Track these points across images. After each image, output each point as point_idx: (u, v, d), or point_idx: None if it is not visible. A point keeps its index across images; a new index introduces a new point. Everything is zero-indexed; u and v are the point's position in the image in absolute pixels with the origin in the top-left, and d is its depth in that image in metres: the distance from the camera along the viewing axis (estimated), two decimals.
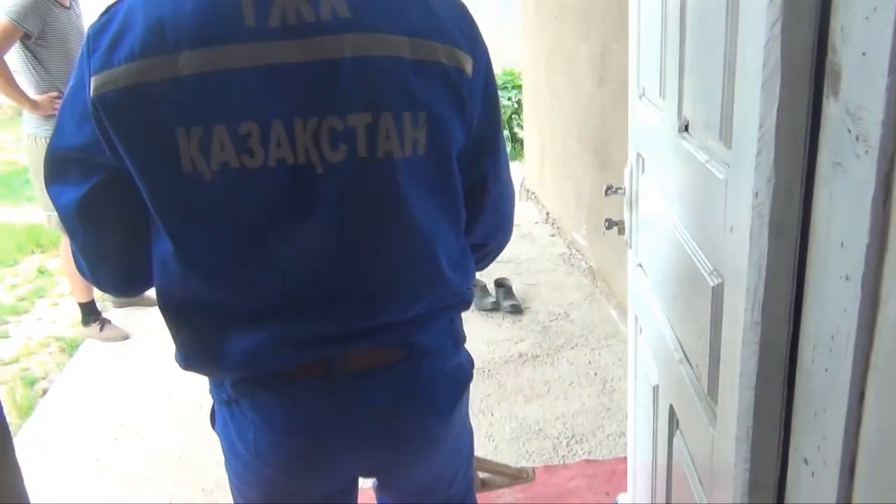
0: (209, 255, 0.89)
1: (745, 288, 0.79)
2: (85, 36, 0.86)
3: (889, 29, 0.54)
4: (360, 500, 1.18)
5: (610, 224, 1.58)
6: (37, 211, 4.50)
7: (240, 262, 0.89)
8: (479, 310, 3.35)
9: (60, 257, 3.39)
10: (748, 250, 0.78)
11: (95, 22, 0.86)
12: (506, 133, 6.70)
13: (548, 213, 4.68)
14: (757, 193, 0.75)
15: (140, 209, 0.89)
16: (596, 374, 2.82)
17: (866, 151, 0.58)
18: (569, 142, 4.01)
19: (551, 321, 3.28)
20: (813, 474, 0.73)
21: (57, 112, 2.88)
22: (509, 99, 6.94)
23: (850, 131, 0.61)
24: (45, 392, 2.95)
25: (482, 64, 0.93)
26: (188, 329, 0.96)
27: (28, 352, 3.30)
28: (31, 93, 2.95)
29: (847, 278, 0.62)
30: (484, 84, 0.94)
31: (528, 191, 5.20)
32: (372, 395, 0.98)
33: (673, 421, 1.24)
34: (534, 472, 2.12)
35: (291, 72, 0.82)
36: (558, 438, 2.44)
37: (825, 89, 0.66)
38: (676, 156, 1.11)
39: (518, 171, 5.74)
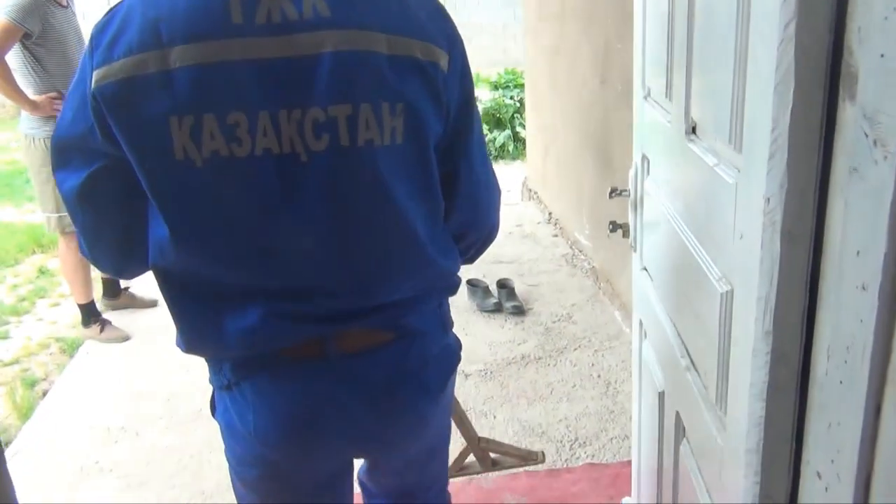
0: (202, 237, 0.95)
1: (755, 296, 0.77)
2: (89, 35, 0.93)
3: None
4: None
5: (614, 227, 1.56)
6: (38, 211, 4.49)
7: (231, 245, 0.96)
8: (481, 311, 3.32)
9: (59, 259, 3.38)
10: (759, 257, 0.76)
11: (98, 21, 0.93)
12: (508, 132, 6.69)
13: (550, 214, 4.66)
14: (769, 199, 0.73)
15: (137, 195, 0.95)
16: (599, 377, 2.80)
17: (885, 157, 0.56)
18: (571, 141, 4.00)
19: (554, 322, 3.26)
20: (826, 489, 0.71)
21: (56, 113, 2.91)
22: (511, 98, 6.93)
23: (867, 136, 0.59)
24: (45, 393, 2.94)
25: (458, 60, 0.99)
26: (185, 308, 1.02)
27: (28, 352, 3.29)
28: (29, 93, 2.93)
29: (864, 288, 0.61)
30: (460, 78, 1.00)
31: (530, 190, 5.18)
32: (365, 375, 1.04)
33: (679, 428, 1.22)
34: (543, 454, 2.11)
35: (276, 66, 0.88)
36: (561, 441, 2.42)
37: (841, 92, 0.65)
38: (683, 158, 1.09)
39: (520, 171, 5.73)
